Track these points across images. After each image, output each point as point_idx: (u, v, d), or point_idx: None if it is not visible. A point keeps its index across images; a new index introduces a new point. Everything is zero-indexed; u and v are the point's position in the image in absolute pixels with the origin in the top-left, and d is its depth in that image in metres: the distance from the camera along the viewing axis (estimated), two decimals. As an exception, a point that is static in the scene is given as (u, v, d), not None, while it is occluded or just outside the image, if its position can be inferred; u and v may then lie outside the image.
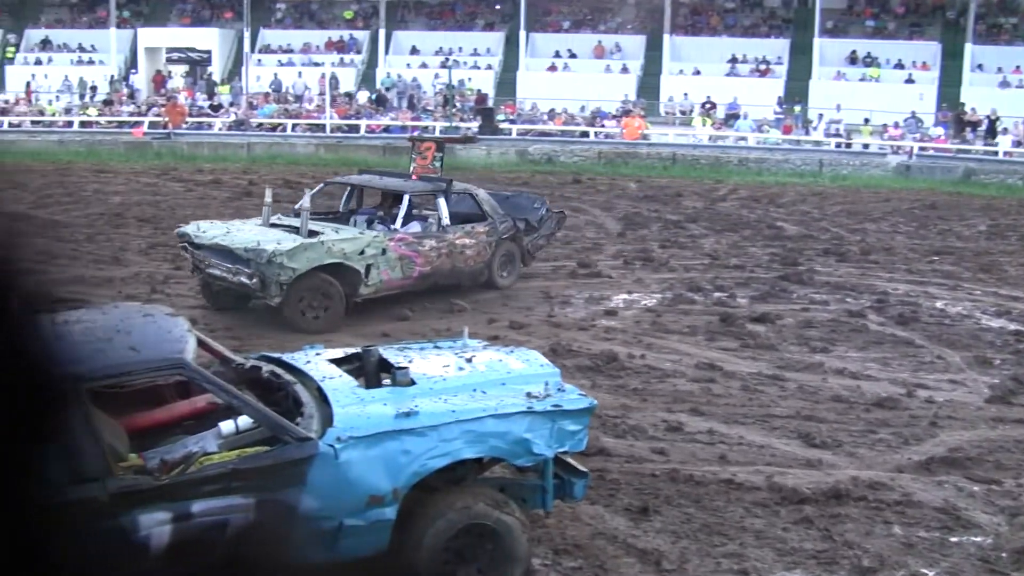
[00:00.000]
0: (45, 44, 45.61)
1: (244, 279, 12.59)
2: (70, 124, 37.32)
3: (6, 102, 40.00)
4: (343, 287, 12.95)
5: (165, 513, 5.53)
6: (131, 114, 38.25)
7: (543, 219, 15.64)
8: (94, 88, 41.71)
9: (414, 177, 15.40)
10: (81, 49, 45.23)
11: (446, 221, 14.22)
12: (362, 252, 13.18)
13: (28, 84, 41.71)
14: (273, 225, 13.75)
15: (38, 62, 44.39)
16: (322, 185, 16.02)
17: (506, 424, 6.30)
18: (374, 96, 39.78)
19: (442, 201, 14.34)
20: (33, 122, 37.70)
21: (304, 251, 12.63)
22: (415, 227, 14.31)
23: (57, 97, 40.91)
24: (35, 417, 1.41)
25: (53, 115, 38.61)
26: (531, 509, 6.80)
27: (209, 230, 13.46)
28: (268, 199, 14.21)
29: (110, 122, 37.46)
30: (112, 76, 43.10)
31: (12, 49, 45.32)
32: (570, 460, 6.91)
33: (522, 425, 6.33)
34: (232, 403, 5.98)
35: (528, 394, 6.51)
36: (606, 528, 7.51)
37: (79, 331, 6.31)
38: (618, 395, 10.55)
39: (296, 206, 14.10)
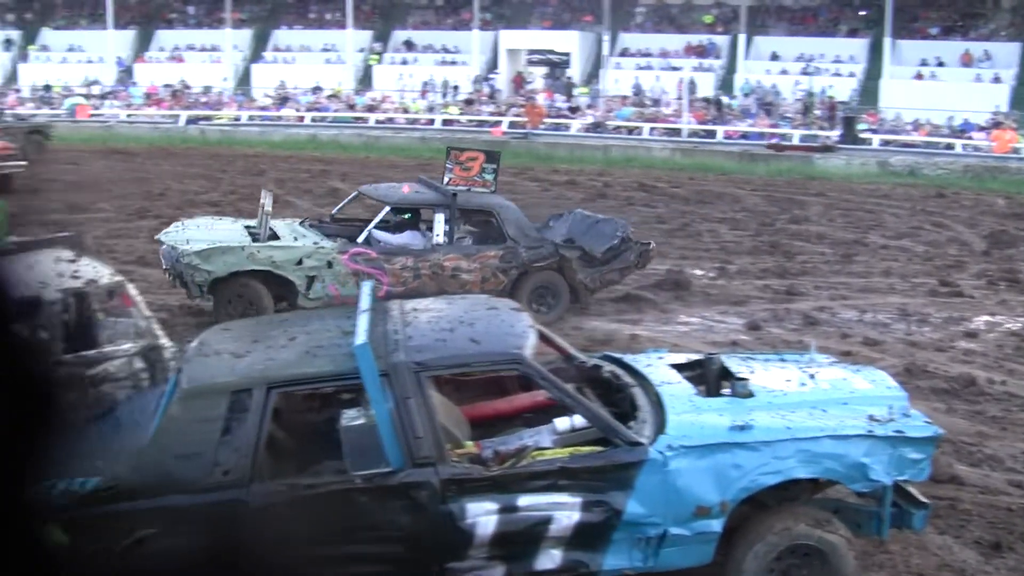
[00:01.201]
0: (410, 45, 47.97)
1: (169, 276, 12.64)
2: (431, 122, 39.13)
3: (374, 100, 42.42)
4: (285, 296, 12.52)
5: (493, 503, 5.63)
6: (491, 114, 39.66)
7: (613, 251, 13.37)
8: (456, 88, 43.48)
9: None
10: (444, 50, 47.25)
11: (438, 239, 12.97)
12: (299, 262, 12.47)
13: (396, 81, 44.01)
14: (248, 228, 13.20)
15: (404, 62, 46.75)
16: (355, 194, 14.86)
17: (843, 446, 6.00)
18: (725, 99, 39.38)
19: (440, 216, 13.05)
20: (400, 120, 39.76)
21: (221, 254, 12.13)
22: (401, 240, 13.32)
23: (422, 96, 42.90)
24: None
25: (417, 113, 40.59)
26: (865, 535, 6.46)
27: (182, 227, 13.41)
28: (267, 206, 12.99)
29: (470, 121, 38.99)
30: (473, 77, 44.75)
31: (375, 56, 47.80)
32: (911, 489, 6.50)
33: (860, 448, 6.01)
34: (565, 401, 6.02)
35: (870, 417, 6.17)
36: (954, 560, 7.04)
37: (425, 320, 6.54)
38: (975, 422, 9.89)
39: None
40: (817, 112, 37.36)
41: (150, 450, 5.89)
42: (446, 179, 13.34)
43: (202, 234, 12.82)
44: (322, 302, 12.41)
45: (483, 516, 5.63)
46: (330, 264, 12.57)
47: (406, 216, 13.81)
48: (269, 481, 5.82)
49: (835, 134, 34.77)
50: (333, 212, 14.42)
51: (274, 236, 12.82)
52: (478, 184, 13.28)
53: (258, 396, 5.80)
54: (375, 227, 13.13)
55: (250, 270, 12.32)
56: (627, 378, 6.72)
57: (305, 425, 6.78)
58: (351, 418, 5.96)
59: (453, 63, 46.32)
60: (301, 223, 13.75)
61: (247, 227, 13.24)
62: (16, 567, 1.29)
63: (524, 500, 5.66)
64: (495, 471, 5.72)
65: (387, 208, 13.19)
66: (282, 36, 49.82)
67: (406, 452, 5.65)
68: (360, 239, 12.89)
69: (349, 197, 14.77)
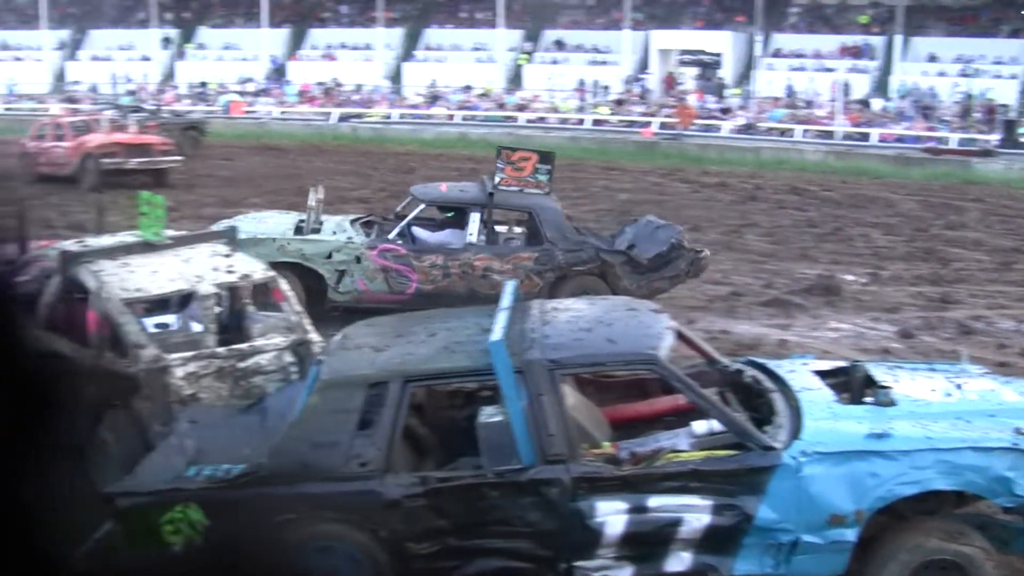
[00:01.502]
0: (560, 45, 48.06)
1: None
2: (581, 122, 39.15)
3: (523, 99, 42.66)
4: (315, 289, 12.39)
5: (623, 503, 5.65)
6: (642, 114, 39.50)
7: (661, 257, 12.72)
8: (606, 88, 43.40)
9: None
10: (595, 50, 47.22)
11: (471, 238, 12.74)
12: (329, 256, 12.58)
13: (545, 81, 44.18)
14: (300, 222, 13.30)
15: (554, 61, 46.88)
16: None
17: (986, 458, 5.82)
18: (880, 102, 38.50)
19: (474, 215, 12.84)
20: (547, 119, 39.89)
21: (253, 246, 11.84)
22: (439, 238, 13.18)
23: (574, 95, 42.96)
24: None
25: (567, 112, 40.67)
26: (1013, 552, 6.26)
27: (244, 219, 13.60)
28: (311, 201, 13.36)
29: (621, 121, 38.91)
30: (624, 77, 44.61)
31: (525, 56, 48.01)
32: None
33: (1004, 462, 5.82)
34: (699, 404, 5.99)
35: (1017, 430, 5.97)
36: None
37: (564, 319, 6.59)
38: None
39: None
40: (976, 115, 36.27)
41: (289, 438, 6.07)
42: (497, 179, 13.18)
43: (251, 226, 12.91)
44: (352, 297, 12.57)
45: (612, 515, 5.64)
46: (359, 259, 12.63)
47: (450, 215, 13.67)
48: (404, 473, 5.94)
49: (995, 138, 33.70)
50: (397, 209, 14.41)
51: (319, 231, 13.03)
52: (531, 185, 13.11)
53: (395, 389, 5.93)
54: (417, 225, 13.20)
55: (282, 262, 12.21)
56: (768, 383, 6.65)
57: (443, 420, 6.90)
58: (488, 415, 6.05)
59: (603, 63, 46.30)
60: (354, 221, 13.74)
61: (300, 221, 13.40)
62: (16, 567, 1.32)
63: (654, 501, 5.65)
64: (625, 471, 5.74)
65: (422, 205, 13.20)
66: (433, 35, 50.50)
67: (538, 449, 5.71)
68: (392, 235, 12.93)
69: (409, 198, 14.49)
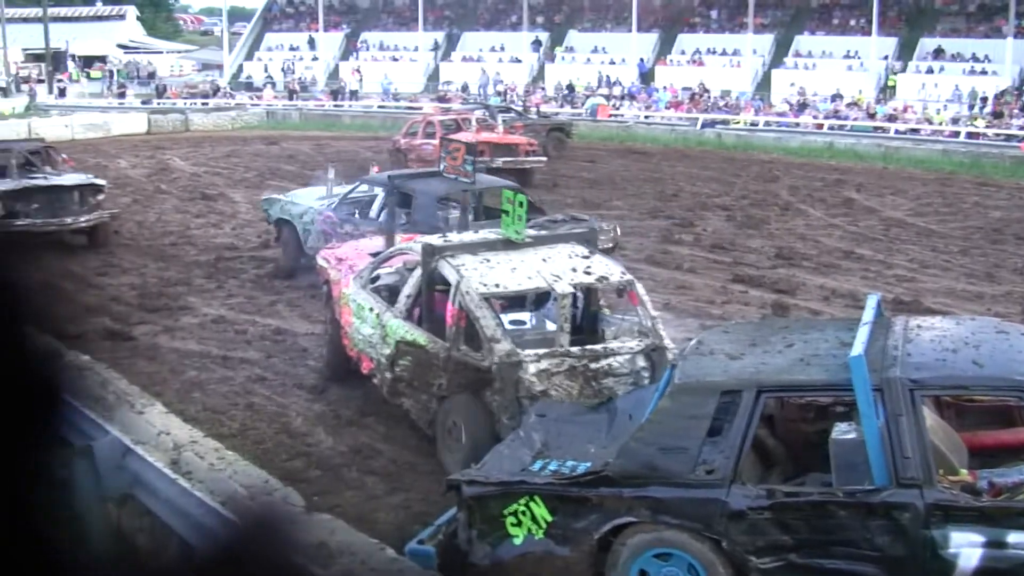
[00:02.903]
0: (938, 53, 45.85)
1: None
2: (956, 134, 37.22)
3: (895, 109, 41.03)
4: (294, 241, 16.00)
5: (979, 536, 5.39)
6: (1021, 127, 37.09)
7: None
8: (984, 99, 41.07)
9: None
10: (974, 59, 44.74)
11: (373, 215, 14.86)
12: (301, 216, 15.82)
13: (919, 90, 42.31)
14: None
15: (929, 71, 44.78)
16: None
17: None
18: None
19: (379, 196, 14.85)
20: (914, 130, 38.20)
21: (274, 203, 16.89)
22: (370, 215, 15.02)
23: (945, 107, 40.95)
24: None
25: (940, 124, 38.78)
26: None
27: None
28: (330, 175, 16.66)
29: (997, 135, 36.69)
30: (1004, 88, 42.01)
31: (899, 64, 46.12)
32: None
33: None
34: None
35: None
36: None
37: (928, 338, 6.36)
38: None
39: None
40: None
41: (638, 440, 6.17)
42: (442, 167, 14.86)
43: (295, 194, 17.27)
44: (311, 251, 14.58)
45: (967, 548, 5.40)
46: (313, 222, 15.51)
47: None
48: (750, 484, 5.92)
49: None
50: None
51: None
52: (462, 173, 14.40)
53: (747, 398, 5.92)
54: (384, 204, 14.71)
55: (284, 218, 16.36)
56: None
57: (792, 432, 6.81)
58: (842, 431, 5.94)
59: (983, 72, 43.81)
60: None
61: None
62: (15, 567, 1.38)
63: (1014, 537, 5.37)
64: (984, 502, 5.47)
65: (358, 183, 15.92)
66: (804, 41, 49.43)
67: (892, 471, 5.55)
68: (332, 206, 15.50)
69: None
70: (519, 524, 6.27)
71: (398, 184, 14.53)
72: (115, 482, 7.51)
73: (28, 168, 18.62)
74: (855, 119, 40.29)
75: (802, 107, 42.61)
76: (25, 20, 66.33)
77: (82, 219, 17.66)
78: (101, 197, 18.28)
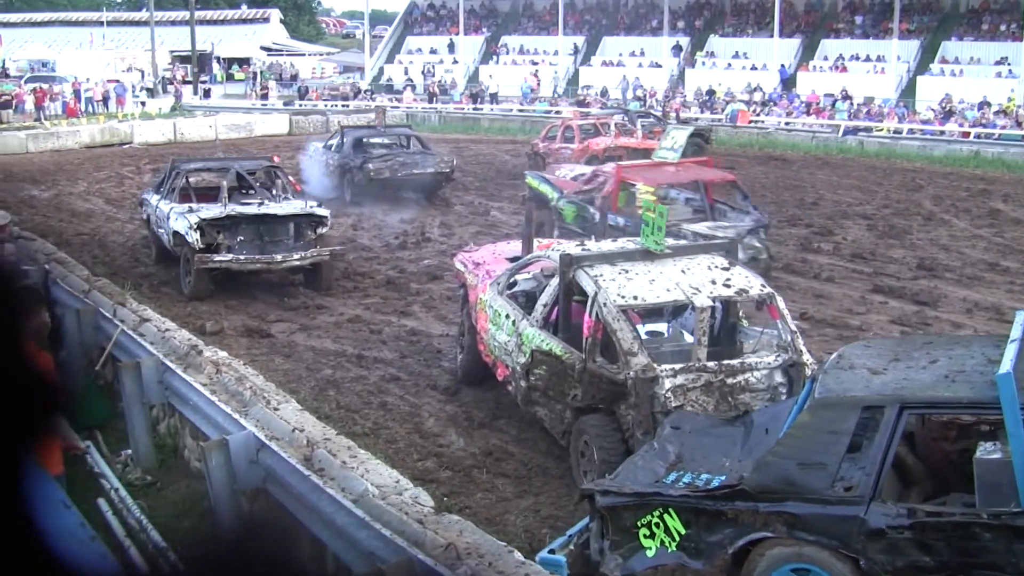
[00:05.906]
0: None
1: None
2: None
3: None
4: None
5: None
6: None
7: None
8: None
9: None
10: None
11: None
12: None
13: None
14: None
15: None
16: None
17: None
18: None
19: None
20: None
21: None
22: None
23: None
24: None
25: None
26: None
27: None
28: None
29: None
30: None
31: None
32: None
33: None
34: None
35: None
36: None
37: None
38: None
39: None
40: None
41: (775, 454, 6.06)
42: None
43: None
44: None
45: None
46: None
47: None
48: (890, 503, 5.77)
49: None
50: None
51: None
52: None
53: (889, 415, 5.78)
54: None
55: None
56: None
57: (933, 451, 6.63)
58: (987, 451, 5.76)
59: None
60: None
61: None
62: (15, 566, 1.36)
63: None
64: None
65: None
66: (951, 47, 48.12)
67: (1040, 493, 5.35)
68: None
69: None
70: (652, 536, 6.21)
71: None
72: (248, 476, 7.69)
73: (245, 191, 16.76)
74: (1003, 127, 39.03)
75: (948, 115, 41.45)
76: (172, 23, 68.67)
77: (295, 256, 15.23)
78: (323, 231, 15.87)
